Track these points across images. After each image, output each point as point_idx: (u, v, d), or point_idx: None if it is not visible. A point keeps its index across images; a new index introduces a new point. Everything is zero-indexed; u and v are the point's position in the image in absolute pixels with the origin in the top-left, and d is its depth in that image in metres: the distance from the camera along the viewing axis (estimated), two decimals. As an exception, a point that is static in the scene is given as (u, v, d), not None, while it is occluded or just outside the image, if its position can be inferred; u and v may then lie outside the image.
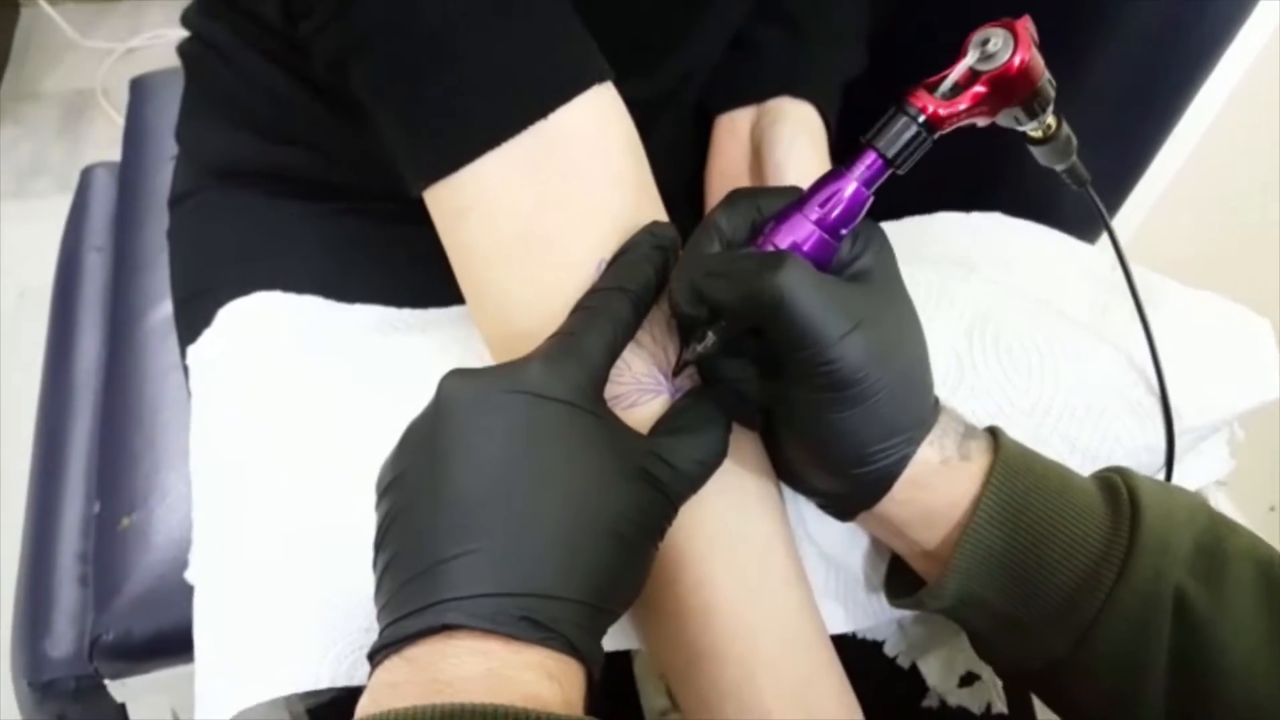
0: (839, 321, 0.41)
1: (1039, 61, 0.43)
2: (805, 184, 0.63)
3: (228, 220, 0.68)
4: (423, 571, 0.37)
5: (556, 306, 0.46)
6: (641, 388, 0.47)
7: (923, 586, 0.48)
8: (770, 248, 0.44)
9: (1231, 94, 1.04)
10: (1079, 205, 0.56)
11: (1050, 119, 0.48)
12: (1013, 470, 0.45)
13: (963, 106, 0.43)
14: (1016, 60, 0.43)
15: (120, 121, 1.10)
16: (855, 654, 0.50)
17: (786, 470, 0.49)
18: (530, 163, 0.46)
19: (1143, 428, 0.56)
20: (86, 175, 1.10)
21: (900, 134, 0.44)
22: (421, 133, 0.47)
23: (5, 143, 2.02)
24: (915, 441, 0.45)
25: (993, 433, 0.48)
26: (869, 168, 0.44)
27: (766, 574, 0.47)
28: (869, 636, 0.56)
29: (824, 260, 0.44)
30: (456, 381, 0.41)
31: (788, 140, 0.65)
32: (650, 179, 0.50)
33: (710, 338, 0.45)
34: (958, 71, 0.43)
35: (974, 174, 0.76)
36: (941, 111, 0.43)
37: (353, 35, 0.46)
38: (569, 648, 0.37)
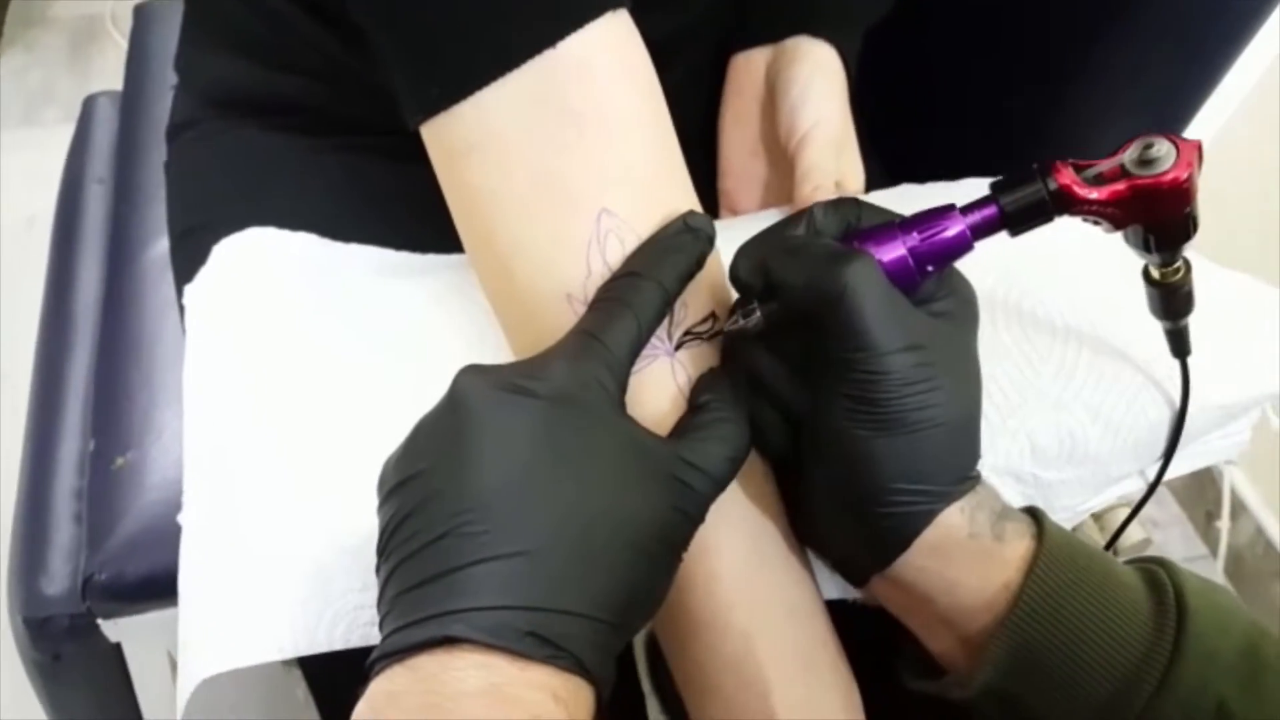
0: (897, 334, 0.40)
1: (1193, 191, 0.42)
2: (816, 124, 0.61)
3: (225, 154, 0.67)
4: (429, 579, 0.35)
5: (558, 256, 0.44)
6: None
7: (937, 666, 0.46)
8: None
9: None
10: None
11: (1180, 263, 0.46)
12: (1057, 561, 0.43)
13: (1096, 196, 0.42)
14: (1171, 175, 0.41)
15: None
16: (849, 620, 0.48)
17: (803, 515, 0.47)
18: (537, 97, 0.43)
19: (1169, 399, 0.55)
20: (89, 104, 1.08)
21: (1026, 196, 0.42)
22: (420, 61, 0.44)
23: (14, 69, 2.00)
24: (945, 500, 0.43)
25: (1034, 516, 0.45)
26: (984, 217, 0.43)
27: (767, 545, 0.46)
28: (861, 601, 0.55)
29: (902, 286, 0.42)
30: (473, 380, 0.39)
31: (803, 82, 0.62)
32: (667, 118, 0.47)
33: (757, 316, 0.43)
34: (1109, 163, 0.42)
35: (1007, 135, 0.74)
36: (1077, 191, 0.42)
37: None
38: (578, 667, 0.35)
